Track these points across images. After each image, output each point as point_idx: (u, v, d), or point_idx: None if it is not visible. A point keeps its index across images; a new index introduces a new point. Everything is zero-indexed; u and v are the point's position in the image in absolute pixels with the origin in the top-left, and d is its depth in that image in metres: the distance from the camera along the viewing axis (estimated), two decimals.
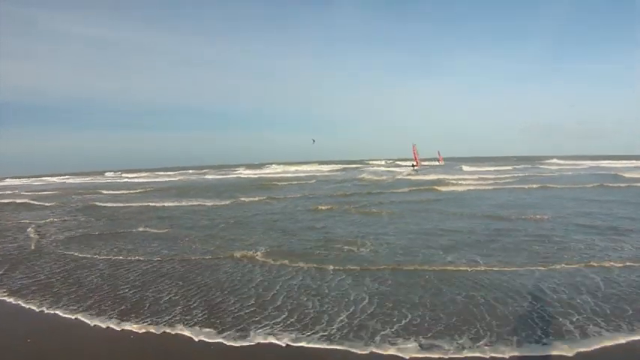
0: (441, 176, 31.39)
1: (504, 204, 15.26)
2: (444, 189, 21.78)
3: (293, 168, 63.89)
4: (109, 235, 11.91)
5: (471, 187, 22.23)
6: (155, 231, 12.24)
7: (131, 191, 30.09)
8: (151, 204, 20.05)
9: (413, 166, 42.43)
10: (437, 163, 67.93)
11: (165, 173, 68.53)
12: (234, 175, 50.41)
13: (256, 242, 10.00)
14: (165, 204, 19.72)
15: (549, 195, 17.80)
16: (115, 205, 20.66)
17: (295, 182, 32.25)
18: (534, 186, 21.91)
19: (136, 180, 51.51)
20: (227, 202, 19.40)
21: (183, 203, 19.61)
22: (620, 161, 50.88)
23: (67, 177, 70.97)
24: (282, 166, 74.51)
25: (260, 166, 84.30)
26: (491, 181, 25.91)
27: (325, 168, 61.92)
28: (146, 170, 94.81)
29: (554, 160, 62.01)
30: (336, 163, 79.89)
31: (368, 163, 77.84)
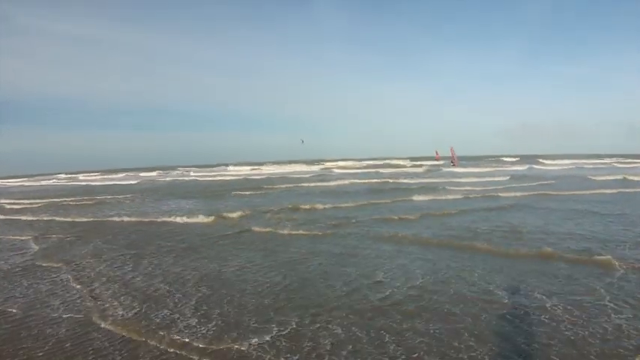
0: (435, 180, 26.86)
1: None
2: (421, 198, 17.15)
3: (281, 169, 58.95)
4: None
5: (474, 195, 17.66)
6: None
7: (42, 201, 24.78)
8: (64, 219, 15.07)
9: (452, 163, 48.56)
10: (435, 162, 65.04)
11: (136, 174, 62.73)
12: (183, 178, 45.16)
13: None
14: (77, 219, 14.75)
15: (569, 205, 13.32)
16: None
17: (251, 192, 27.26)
18: (557, 193, 17.46)
19: (91, 183, 45.87)
20: (134, 219, 14.43)
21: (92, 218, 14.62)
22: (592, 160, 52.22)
23: None
24: (272, 165, 69.42)
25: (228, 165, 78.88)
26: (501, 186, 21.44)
27: (305, 168, 57.12)
28: (123, 170, 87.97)
29: (543, 161, 58.16)
30: (318, 163, 74.97)
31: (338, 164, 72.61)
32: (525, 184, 22.08)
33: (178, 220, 13.52)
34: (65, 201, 23.15)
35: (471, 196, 17.29)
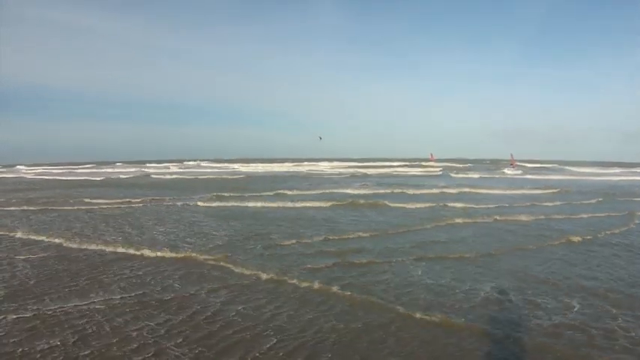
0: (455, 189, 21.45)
1: None
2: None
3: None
4: None
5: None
6: None
7: None
8: None
9: (511, 165, 50.03)
10: (432, 164, 61.85)
11: (103, 170, 55.43)
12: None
13: None
14: None
15: None
16: None
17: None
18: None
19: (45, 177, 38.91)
20: None
21: None
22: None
23: None
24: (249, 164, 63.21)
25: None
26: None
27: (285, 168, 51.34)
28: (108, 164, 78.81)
29: (569, 168, 50.68)
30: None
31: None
32: None
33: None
34: None
35: None
